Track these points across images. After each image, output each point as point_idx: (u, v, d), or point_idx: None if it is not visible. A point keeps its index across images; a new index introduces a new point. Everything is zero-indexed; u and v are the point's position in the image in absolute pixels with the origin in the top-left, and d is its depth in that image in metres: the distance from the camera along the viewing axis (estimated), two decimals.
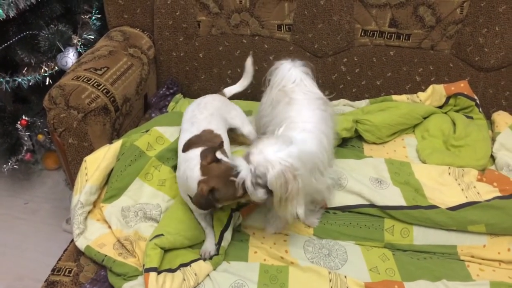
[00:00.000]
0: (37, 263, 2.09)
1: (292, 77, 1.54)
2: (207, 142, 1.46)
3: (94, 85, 1.67)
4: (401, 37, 1.95)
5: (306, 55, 2.02)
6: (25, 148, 2.17)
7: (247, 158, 1.24)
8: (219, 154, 1.30)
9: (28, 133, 2.14)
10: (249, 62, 1.79)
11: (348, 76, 2.04)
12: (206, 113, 1.56)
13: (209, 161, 1.26)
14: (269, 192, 1.24)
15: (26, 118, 2.11)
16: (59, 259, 1.44)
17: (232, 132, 1.66)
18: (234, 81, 2.01)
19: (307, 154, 1.30)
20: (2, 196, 2.44)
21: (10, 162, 2.17)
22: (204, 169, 1.27)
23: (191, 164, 1.32)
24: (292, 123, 1.41)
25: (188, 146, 1.42)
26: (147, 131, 1.69)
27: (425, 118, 1.88)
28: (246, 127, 1.67)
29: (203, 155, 1.29)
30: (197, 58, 2.08)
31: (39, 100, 2.16)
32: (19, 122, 2.10)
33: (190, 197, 1.34)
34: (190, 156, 1.35)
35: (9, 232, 2.25)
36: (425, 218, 1.46)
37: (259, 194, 1.24)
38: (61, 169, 2.50)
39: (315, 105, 1.50)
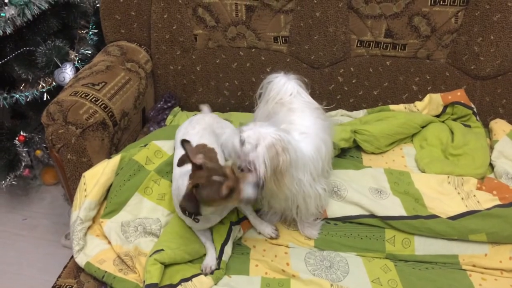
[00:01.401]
0: (36, 280, 2.07)
1: (288, 90, 1.55)
2: None
3: (92, 100, 1.67)
4: (397, 47, 1.96)
5: (303, 67, 2.03)
6: (23, 164, 2.16)
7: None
8: (199, 159, 1.27)
9: (26, 149, 2.13)
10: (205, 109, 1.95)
11: (345, 86, 2.05)
12: (198, 127, 1.57)
13: (194, 169, 1.26)
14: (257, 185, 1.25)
15: (24, 134, 2.10)
16: (59, 276, 1.42)
17: None
18: (232, 94, 2.03)
19: (300, 152, 1.32)
20: (1, 213, 2.42)
21: (9, 178, 2.16)
22: (192, 174, 1.26)
23: (186, 177, 1.32)
24: (292, 124, 1.42)
25: (183, 161, 1.42)
26: (145, 145, 1.69)
27: (423, 127, 1.89)
28: None
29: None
30: (194, 71, 2.09)
31: (37, 116, 2.16)
32: (17, 138, 2.09)
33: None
34: (185, 170, 1.34)
35: (7, 249, 2.23)
36: (426, 228, 1.45)
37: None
38: (60, 184, 2.49)
39: (316, 113, 1.52)
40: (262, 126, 1.28)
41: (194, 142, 1.50)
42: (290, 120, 1.46)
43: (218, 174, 1.22)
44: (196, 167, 1.24)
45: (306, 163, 1.35)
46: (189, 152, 1.25)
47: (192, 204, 1.22)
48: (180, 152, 1.49)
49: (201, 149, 1.49)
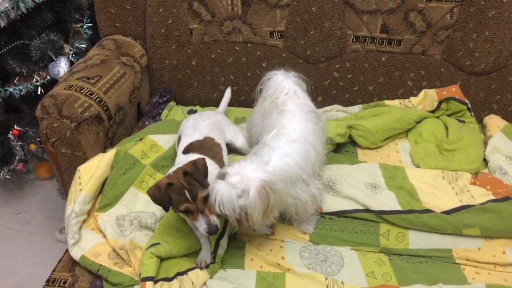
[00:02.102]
0: (30, 274, 2.07)
1: (285, 89, 1.55)
2: (208, 150, 1.47)
3: (87, 94, 1.66)
4: (393, 42, 1.96)
5: (299, 62, 2.03)
6: (17, 158, 2.15)
7: (221, 178, 1.24)
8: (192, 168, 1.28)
9: (20, 143, 2.12)
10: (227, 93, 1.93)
11: (341, 81, 2.05)
12: (209, 121, 1.60)
13: (180, 170, 1.26)
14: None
15: (18, 128, 2.10)
16: (54, 270, 1.42)
17: (227, 146, 1.68)
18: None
19: (288, 167, 1.32)
20: None
21: (2, 172, 2.15)
22: (175, 173, 1.27)
23: None
24: (283, 129, 1.43)
25: (189, 149, 1.42)
26: (141, 140, 1.69)
27: (417, 122, 1.90)
28: (240, 141, 1.71)
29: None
30: (190, 66, 2.09)
31: (31, 110, 2.15)
32: (11, 132, 2.08)
33: None
34: (189, 158, 1.34)
35: (1, 243, 2.22)
36: (420, 222, 1.46)
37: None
38: (54, 178, 2.48)
39: (308, 117, 1.51)
40: (247, 167, 1.24)
41: (203, 133, 1.53)
42: (280, 124, 1.45)
43: (191, 192, 1.22)
44: (184, 171, 1.25)
45: (297, 173, 1.35)
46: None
47: (159, 196, 1.23)
48: (186, 140, 1.50)
49: (209, 142, 1.50)
